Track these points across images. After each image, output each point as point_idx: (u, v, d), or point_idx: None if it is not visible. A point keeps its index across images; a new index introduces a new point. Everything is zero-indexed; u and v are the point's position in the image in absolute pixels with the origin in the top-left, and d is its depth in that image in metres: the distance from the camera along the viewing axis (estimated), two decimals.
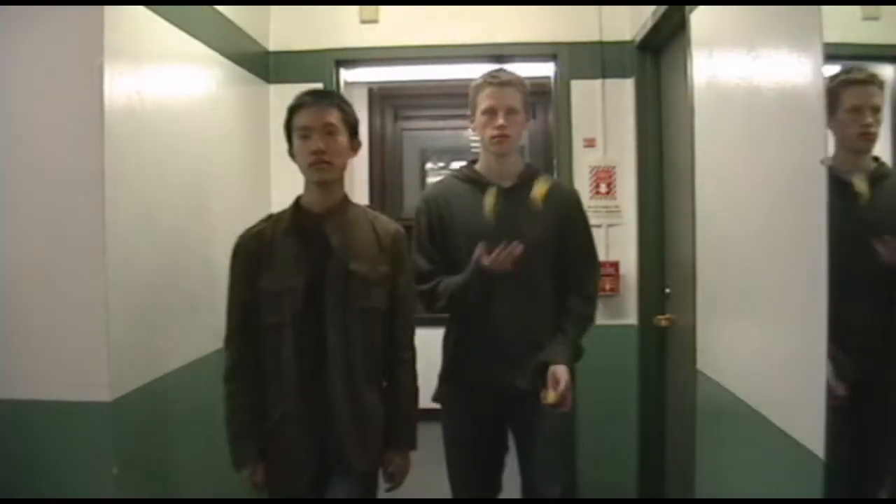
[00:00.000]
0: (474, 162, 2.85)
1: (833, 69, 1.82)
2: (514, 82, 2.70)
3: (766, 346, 2.17)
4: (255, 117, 3.87)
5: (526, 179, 2.75)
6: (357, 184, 6.01)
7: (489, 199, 2.69)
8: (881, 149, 1.82)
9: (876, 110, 1.82)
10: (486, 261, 2.54)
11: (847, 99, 1.83)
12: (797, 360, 1.93)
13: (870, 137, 1.85)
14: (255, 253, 2.35)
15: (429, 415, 2.88)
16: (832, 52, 1.76)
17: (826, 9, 1.74)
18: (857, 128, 1.84)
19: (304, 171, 2.35)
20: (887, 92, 1.81)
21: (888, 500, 1.78)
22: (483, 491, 2.81)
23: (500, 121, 2.65)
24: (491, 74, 2.71)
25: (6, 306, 2.39)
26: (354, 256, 2.35)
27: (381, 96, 6.51)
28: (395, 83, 5.79)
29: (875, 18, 1.81)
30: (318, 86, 3.99)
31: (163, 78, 2.82)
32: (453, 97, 6.16)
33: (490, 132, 2.68)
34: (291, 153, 2.39)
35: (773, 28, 2.09)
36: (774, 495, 2.09)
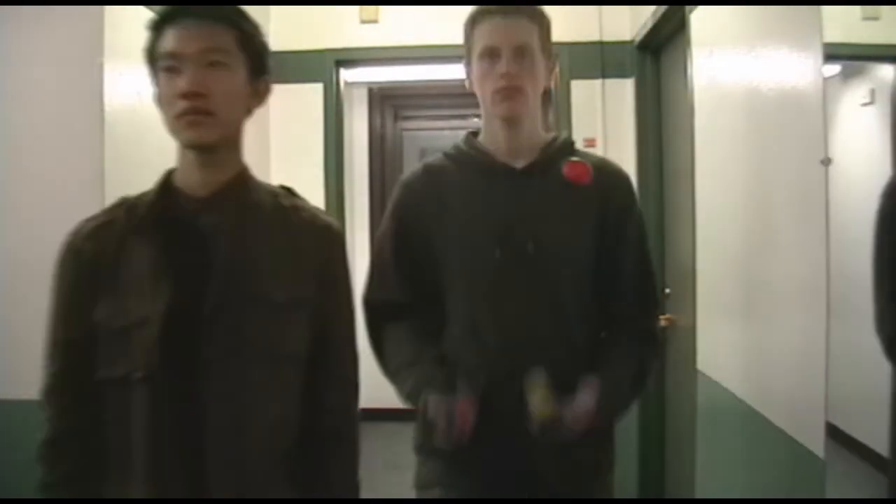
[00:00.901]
0: (476, 134, 1.90)
1: (833, 69, 1.83)
2: (526, 11, 1.81)
3: (766, 346, 2.17)
4: (254, 117, 3.85)
5: (550, 157, 1.82)
6: (356, 185, 6.02)
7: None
8: (881, 149, 1.82)
9: None
10: (438, 437, 1.62)
11: None
12: (797, 359, 1.93)
13: None
14: (91, 262, 1.44)
15: (407, 414, 2.80)
16: (832, 52, 1.76)
17: (826, 9, 1.74)
18: None
19: (171, 127, 1.45)
20: (886, 96, 1.80)
21: (888, 500, 1.78)
22: None
23: (506, 66, 1.72)
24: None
25: (6, 306, 2.39)
26: (255, 269, 1.44)
27: (381, 96, 6.52)
28: (395, 83, 5.80)
29: (875, 18, 1.81)
30: (318, 86, 4.01)
31: None
32: (453, 97, 6.18)
33: (492, 83, 1.75)
34: (157, 99, 1.48)
35: (773, 28, 2.09)
36: (774, 495, 2.09)
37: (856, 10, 1.82)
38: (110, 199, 2.35)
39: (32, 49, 2.38)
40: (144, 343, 1.36)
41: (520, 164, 1.81)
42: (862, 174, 1.87)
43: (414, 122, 7.00)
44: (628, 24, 3.93)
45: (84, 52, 2.36)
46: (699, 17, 2.76)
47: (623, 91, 3.96)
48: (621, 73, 3.95)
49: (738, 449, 2.40)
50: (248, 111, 1.52)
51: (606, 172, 1.86)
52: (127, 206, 1.50)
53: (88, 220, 1.50)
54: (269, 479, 1.44)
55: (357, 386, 1.59)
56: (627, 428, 3.95)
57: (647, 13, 3.51)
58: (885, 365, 1.64)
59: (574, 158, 1.83)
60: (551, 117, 3.99)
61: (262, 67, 1.50)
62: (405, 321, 1.84)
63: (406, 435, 2.05)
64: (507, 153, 1.82)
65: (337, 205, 4.06)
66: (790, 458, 1.95)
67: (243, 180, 1.52)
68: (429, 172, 1.89)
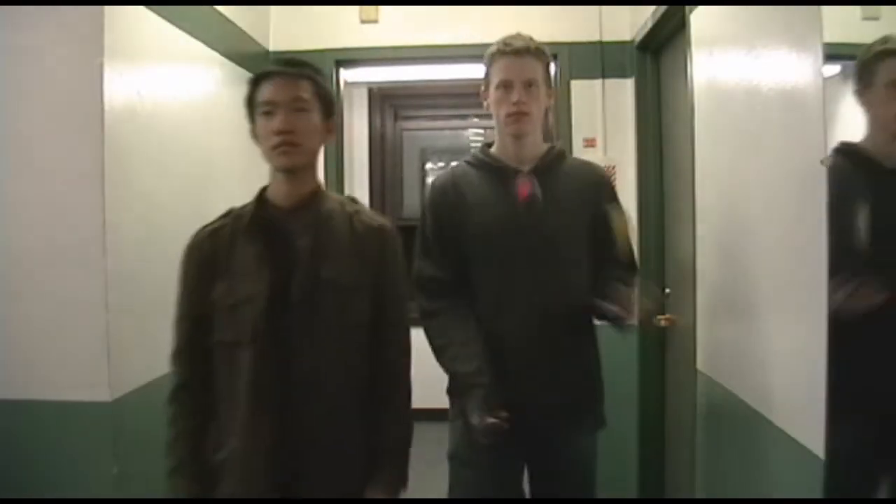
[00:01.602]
0: (490, 145, 2.47)
1: (833, 69, 1.82)
2: (533, 50, 2.34)
3: (765, 345, 2.17)
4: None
5: (549, 163, 2.40)
6: (357, 184, 6.02)
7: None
8: None
9: None
10: (478, 426, 2.16)
11: (883, 73, 1.74)
12: (797, 359, 1.93)
13: None
14: (209, 255, 1.98)
15: (429, 414, 2.86)
16: (832, 52, 1.76)
17: (826, 8, 1.74)
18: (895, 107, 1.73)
19: (266, 155, 1.98)
20: None
21: (888, 500, 1.78)
22: None
23: (517, 96, 2.30)
24: (504, 41, 2.36)
25: (6, 306, 2.39)
26: (328, 261, 1.96)
27: (381, 96, 6.52)
28: (395, 83, 5.80)
29: (875, 18, 1.81)
30: None
31: (163, 78, 2.81)
32: (453, 97, 6.19)
33: (506, 109, 2.32)
34: (255, 134, 2.00)
35: (773, 28, 2.09)
36: (774, 495, 2.09)
37: (856, 11, 1.82)
38: (110, 198, 2.37)
39: (33, 49, 2.37)
40: (249, 315, 1.89)
41: (525, 168, 2.37)
42: None
43: (414, 121, 7.00)
44: (628, 24, 3.94)
45: (84, 52, 2.36)
46: (699, 17, 2.76)
47: (623, 91, 3.96)
48: (621, 73, 3.96)
49: (738, 449, 2.40)
50: (321, 144, 2.04)
51: (591, 171, 2.50)
52: (234, 215, 2.03)
53: (206, 226, 2.03)
54: (341, 416, 1.96)
55: (409, 347, 2.09)
56: (628, 427, 3.96)
57: (647, 13, 3.51)
58: None
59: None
60: (551, 119, 3.99)
61: (330, 112, 2.05)
62: (446, 299, 2.37)
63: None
64: (514, 160, 2.39)
65: None
66: (790, 458, 1.95)
67: (318, 194, 2.03)
68: (454, 176, 2.45)
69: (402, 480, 2.03)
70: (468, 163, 2.46)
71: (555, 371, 2.34)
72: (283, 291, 1.90)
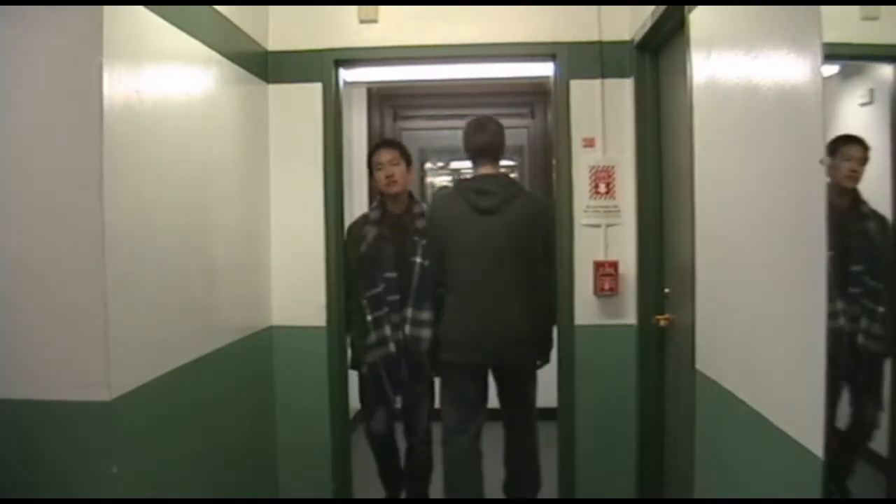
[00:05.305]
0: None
1: (832, 69, 1.83)
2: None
3: (764, 345, 2.17)
4: (254, 117, 3.87)
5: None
6: (356, 183, 6.02)
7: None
8: (880, 148, 1.82)
9: None
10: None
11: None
12: (796, 359, 1.93)
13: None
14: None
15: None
16: (831, 52, 1.76)
17: (825, 9, 1.74)
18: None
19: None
20: (885, 96, 1.82)
21: (888, 500, 1.78)
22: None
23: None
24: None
25: (5, 306, 2.38)
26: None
27: (380, 96, 6.51)
28: (394, 83, 5.79)
29: (874, 18, 1.81)
30: (317, 86, 4.03)
31: (162, 78, 2.81)
32: (452, 97, 6.19)
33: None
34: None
35: (772, 28, 2.09)
36: (773, 495, 2.09)
37: (854, 11, 1.82)
38: (108, 198, 2.37)
39: (32, 49, 2.37)
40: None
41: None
42: None
43: (412, 121, 6.98)
44: (627, 24, 3.94)
45: (83, 52, 2.36)
46: (698, 17, 2.76)
47: (622, 91, 3.96)
48: (620, 73, 3.96)
49: (737, 448, 2.40)
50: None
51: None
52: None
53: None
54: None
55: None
56: (627, 427, 3.97)
57: (647, 13, 3.51)
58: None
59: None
60: (550, 117, 3.99)
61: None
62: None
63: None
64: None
65: (336, 204, 4.06)
66: (789, 458, 1.95)
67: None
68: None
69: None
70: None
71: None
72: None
